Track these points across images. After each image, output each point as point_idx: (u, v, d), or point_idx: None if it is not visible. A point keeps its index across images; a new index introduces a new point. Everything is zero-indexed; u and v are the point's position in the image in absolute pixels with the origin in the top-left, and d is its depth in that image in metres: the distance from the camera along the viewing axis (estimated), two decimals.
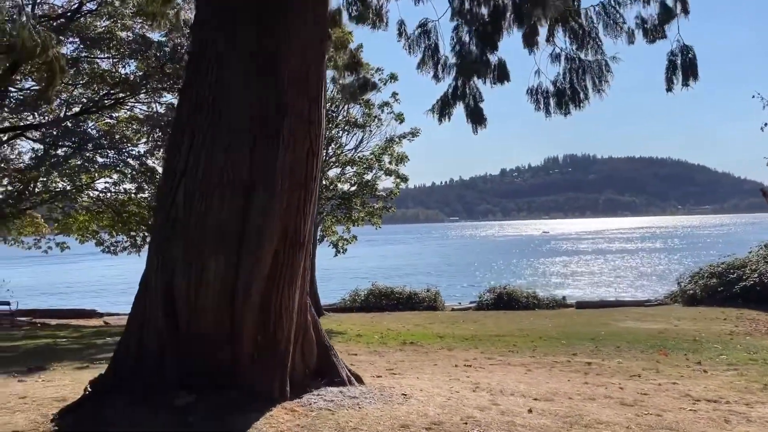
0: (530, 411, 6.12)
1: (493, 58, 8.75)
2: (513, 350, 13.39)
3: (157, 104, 23.69)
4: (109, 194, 24.87)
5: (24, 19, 6.88)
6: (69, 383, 8.11)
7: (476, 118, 8.75)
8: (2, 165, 21.80)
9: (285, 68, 5.79)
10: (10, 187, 22.59)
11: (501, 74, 8.82)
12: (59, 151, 21.72)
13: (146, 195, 24.93)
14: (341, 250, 28.11)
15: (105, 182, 25.25)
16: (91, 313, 31.77)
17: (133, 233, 25.09)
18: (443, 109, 8.93)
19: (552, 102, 8.65)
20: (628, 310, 24.24)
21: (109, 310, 34.92)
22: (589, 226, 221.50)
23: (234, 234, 5.45)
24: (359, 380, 6.66)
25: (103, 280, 60.88)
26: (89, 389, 5.72)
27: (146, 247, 25.71)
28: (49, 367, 10.33)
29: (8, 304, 25.79)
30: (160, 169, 22.57)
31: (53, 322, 23.46)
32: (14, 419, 5.68)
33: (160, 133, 21.36)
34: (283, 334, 5.76)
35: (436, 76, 8.98)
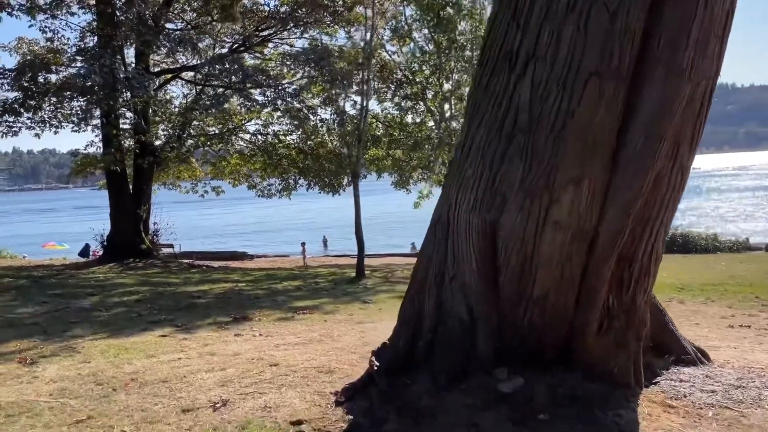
0: None
1: None
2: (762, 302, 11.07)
3: (308, 38, 22.53)
4: (259, 136, 24.37)
5: None
6: (297, 342, 6.98)
7: None
8: (160, 109, 21.61)
9: None
10: (170, 131, 22.52)
11: None
12: (215, 92, 21.19)
13: (295, 137, 24.22)
14: None
15: (256, 124, 24.77)
16: (242, 256, 32.30)
17: (284, 175, 24.55)
18: None
19: None
20: None
21: (257, 251, 35.57)
22: (728, 162, 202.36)
23: (605, 149, 3.69)
24: (705, 356, 4.87)
25: (253, 222, 63.13)
26: (375, 364, 4.35)
27: (298, 189, 25.47)
28: (252, 317, 9.43)
29: (172, 246, 26.41)
30: (315, 107, 21.54)
31: (215, 264, 23.60)
32: (286, 398, 4.45)
33: (313, 69, 20.16)
34: (642, 297, 4.05)
35: None
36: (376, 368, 4.35)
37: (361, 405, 4.18)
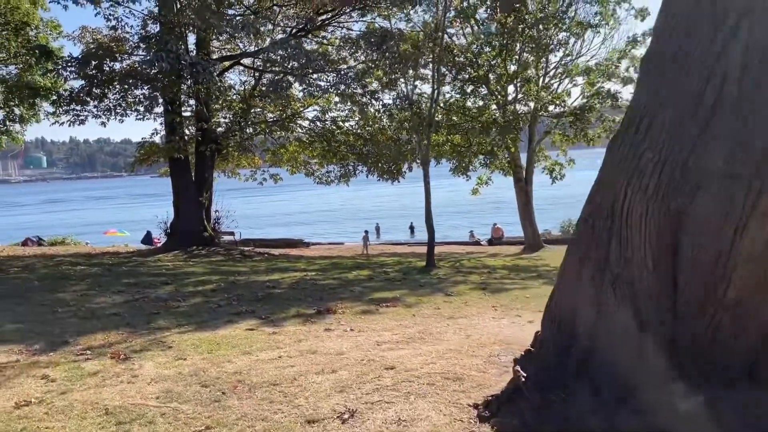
0: None
1: None
2: None
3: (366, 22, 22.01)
4: (318, 123, 24.05)
5: None
6: (397, 340, 6.53)
7: None
8: (222, 96, 21.47)
9: None
10: (230, 118, 22.40)
11: None
12: (276, 77, 20.90)
13: (353, 123, 23.82)
14: (558, 177, 25.30)
15: (314, 110, 24.46)
16: (299, 243, 32.20)
17: (343, 162, 24.19)
18: None
19: None
20: None
21: (310, 239, 35.45)
22: None
23: None
24: None
25: (301, 210, 63.41)
26: (522, 375, 3.83)
27: (357, 176, 25.08)
28: (335, 308, 9.04)
29: (232, 234, 26.43)
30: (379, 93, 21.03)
31: (275, 252, 23.49)
32: (419, 410, 3.99)
33: (375, 53, 19.62)
34: None
35: None
36: (523, 380, 3.83)
37: (511, 422, 3.68)
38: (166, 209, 22.93)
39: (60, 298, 10.38)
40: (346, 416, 3.99)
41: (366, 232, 27.25)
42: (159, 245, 26.37)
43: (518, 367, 3.96)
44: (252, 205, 63.89)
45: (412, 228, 42.73)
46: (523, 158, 24.73)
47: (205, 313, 9.06)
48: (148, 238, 29.88)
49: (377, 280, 13.02)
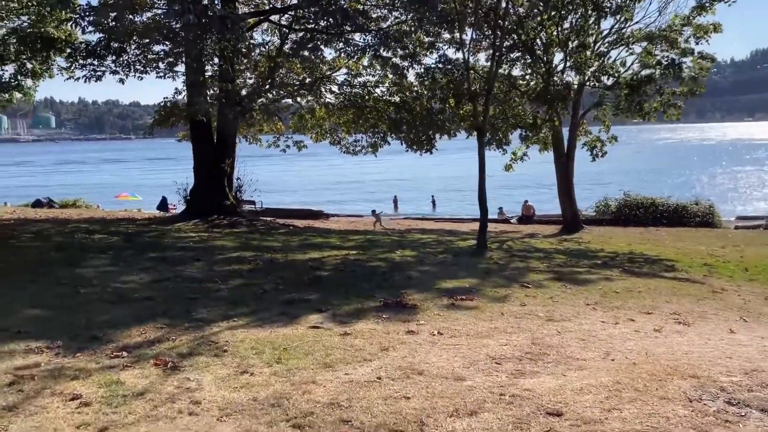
0: None
1: None
2: None
3: None
4: (348, 87, 22.46)
5: None
6: (514, 354, 5.15)
7: None
8: (249, 54, 19.88)
9: None
10: (255, 79, 20.84)
11: None
12: (306, 36, 19.28)
13: (384, 89, 22.22)
14: (599, 154, 23.70)
15: (345, 75, 22.84)
16: (320, 214, 30.91)
17: (374, 130, 22.63)
18: None
19: None
20: None
21: (329, 211, 34.14)
22: None
23: None
24: None
25: (320, 179, 61.95)
26: None
27: (385, 146, 23.55)
28: (405, 301, 7.69)
29: (254, 203, 25.06)
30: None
31: (298, 223, 22.11)
32: None
33: (417, 11, 17.91)
34: None
35: None
36: None
37: None
38: (186, 175, 21.50)
39: (80, 275, 9.07)
40: None
41: (373, 210, 25.59)
42: (175, 212, 25.11)
43: None
44: (271, 173, 62.48)
45: (433, 201, 41.31)
46: (564, 133, 23.13)
47: (252, 300, 7.74)
48: (163, 205, 28.60)
49: (429, 263, 11.64)
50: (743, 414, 3.59)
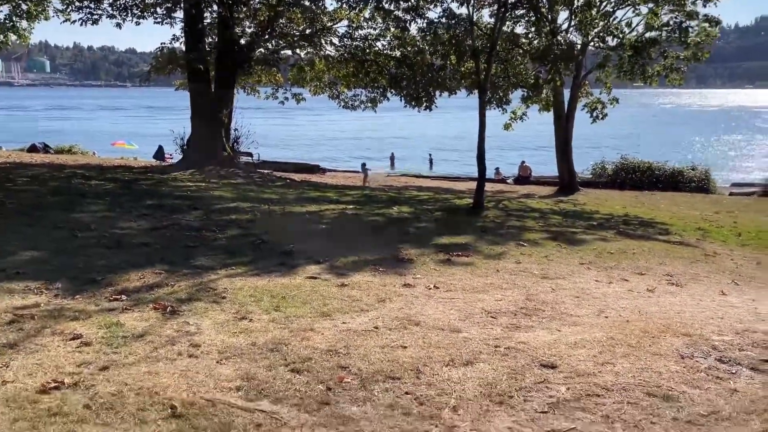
0: None
1: None
2: None
3: None
4: (348, 40, 22.09)
5: None
6: (509, 309, 5.23)
7: None
8: (246, 3, 19.48)
9: None
10: (255, 28, 20.46)
11: None
12: None
13: (385, 43, 21.86)
14: (599, 116, 23.53)
15: (346, 27, 22.41)
16: (316, 169, 30.80)
17: (374, 84, 22.36)
18: None
19: None
20: None
21: (325, 166, 33.97)
22: None
23: None
24: None
25: (326, 134, 61.42)
26: None
27: (385, 102, 23.32)
28: (401, 256, 7.75)
29: (251, 155, 24.93)
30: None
31: (295, 177, 22.04)
32: None
33: None
34: None
35: None
36: None
37: None
38: (183, 125, 21.29)
39: (78, 220, 9.07)
40: None
41: (363, 164, 25.44)
42: (171, 161, 24.99)
43: None
44: (268, 127, 61.96)
45: (431, 160, 41.10)
46: (565, 94, 22.92)
47: (250, 250, 7.78)
48: (159, 153, 28.41)
49: (426, 220, 11.67)
50: (734, 371, 3.68)
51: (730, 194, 25.36)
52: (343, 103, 24.18)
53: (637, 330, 4.47)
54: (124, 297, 5.36)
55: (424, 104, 21.45)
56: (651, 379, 3.54)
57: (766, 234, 12.17)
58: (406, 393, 3.39)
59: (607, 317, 5.00)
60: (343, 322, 4.73)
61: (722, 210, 17.17)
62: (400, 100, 21.60)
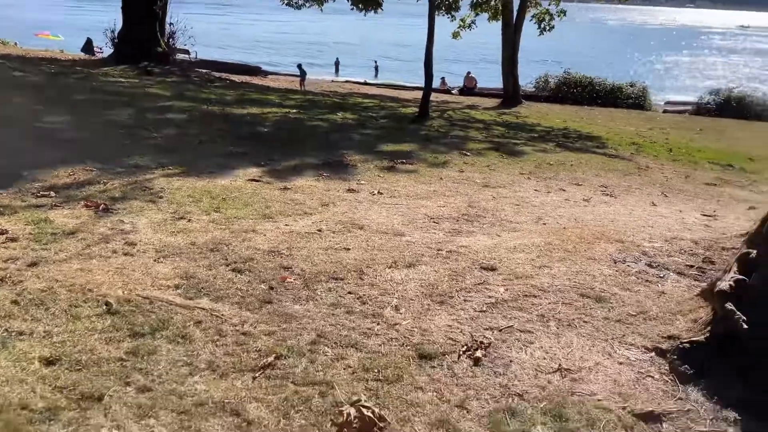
0: None
1: None
2: None
3: None
4: None
5: None
6: (455, 216, 5.27)
7: None
8: None
9: None
10: None
11: None
12: None
13: None
14: (546, 28, 23.40)
15: None
16: (257, 71, 29.61)
17: None
18: None
19: None
20: None
21: (266, 68, 32.70)
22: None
23: None
24: None
25: (267, 35, 58.47)
26: (742, 319, 2.66)
27: (330, 3, 22.38)
28: (345, 161, 7.66)
29: (188, 52, 23.65)
30: None
31: (235, 78, 21.16)
32: (576, 351, 2.83)
33: None
34: None
35: None
36: (744, 325, 2.66)
37: (733, 390, 2.55)
38: (114, 17, 19.84)
39: (0, 113, 8.46)
40: (476, 352, 2.78)
41: (299, 65, 24.08)
42: (102, 55, 23.46)
43: (731, 305, 2.78)
44: (206, 24, 58.63)
45: (376, 67, 40.19)
46: (515, 4, 22.52)
47: (187, 150, 7.50)
48: (88, 47, 26.58)
49: (371, 127, 11.51)
50: (662, 275, 3.86)
51: (664, 112, 26.09)
52: (286, 2, 23.09)
53: (573, 236, 4.60)
54: (52, 194, 5.10)
55: (371, 6, 20.71)
56: (585, 281, 3.68)
57: (695, 150, 12.64)
58: (349, 293, 3.41)
59: (545, 224, 5.12)
60: (286, 225, 4.67)
61: (656, 126, 17.66)
62: (347, 0, 20.78)
